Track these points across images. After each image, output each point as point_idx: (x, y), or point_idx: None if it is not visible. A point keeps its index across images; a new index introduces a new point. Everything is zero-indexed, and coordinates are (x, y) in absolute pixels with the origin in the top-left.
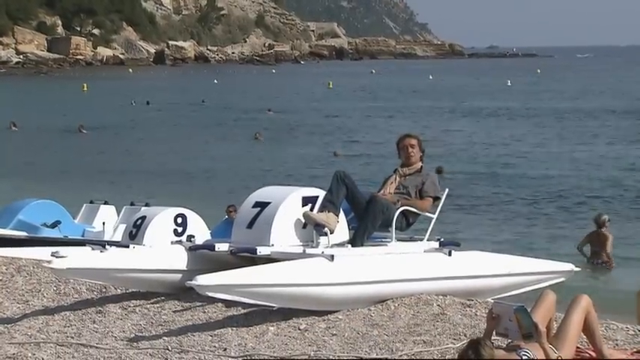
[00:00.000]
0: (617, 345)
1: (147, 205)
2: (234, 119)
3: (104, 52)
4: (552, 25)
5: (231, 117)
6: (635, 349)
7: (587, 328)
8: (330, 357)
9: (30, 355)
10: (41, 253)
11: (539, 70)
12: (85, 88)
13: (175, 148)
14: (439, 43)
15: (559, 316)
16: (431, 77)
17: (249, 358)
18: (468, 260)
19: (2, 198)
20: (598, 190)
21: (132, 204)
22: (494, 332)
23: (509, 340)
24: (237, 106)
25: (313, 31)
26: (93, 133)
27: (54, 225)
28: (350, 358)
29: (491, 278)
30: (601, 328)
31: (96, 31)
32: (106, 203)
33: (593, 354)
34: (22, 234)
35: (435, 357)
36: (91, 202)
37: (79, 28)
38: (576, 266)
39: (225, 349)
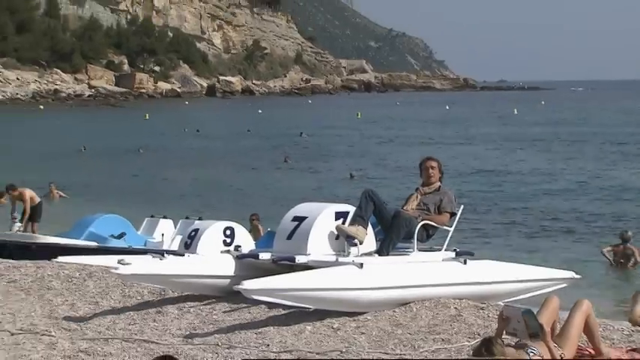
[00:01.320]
0: (613, 344)
1: (200, 218)
2: (273, 144)
3: (163, 86)
4: (554, 61)
5: (270, 142)
6: (629, 348)
7: (588, 329)
8: (360, 352)
9: (99, 349)
10: (109, 260)
11: (543, 102)
12: (147, 117)
13: (221, 170)
14: (455, 77)
15: (562, 318)
16: (447, 107)
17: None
18: (481, 268)
19: (76, 213)
20: (595, 207)
21: (187, 218)
22: (504, 332)
23: (518, 339)
24: (277, 132)
25: (345, 67)
26: (151, 155)
27: (120, 236)
28: (377, 354)
29: (501, 284)
30: (599, 328)
31: (157, 68)
32: (164, 217)
33: (593, 352)
34: (93, 244)
35: (452, 353)
36: (152, 217)
37: (142, 66)
38: (576, 274)
39: (267, 345)
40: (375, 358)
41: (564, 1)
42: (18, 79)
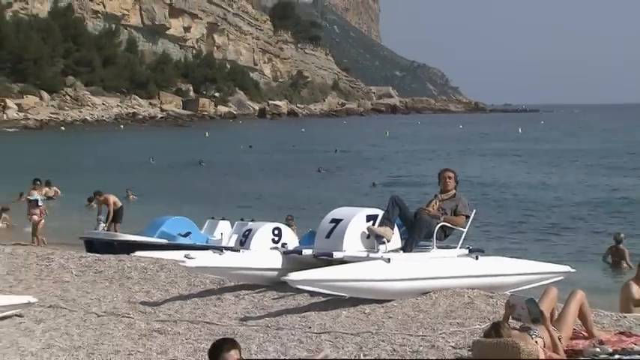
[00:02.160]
0: (603, 327)
1: (252, 220)
2: (312, 158)
3: (222, 109)
4: (553, 87)
5: (310, 156)
6: (617, 331)
7: (582, 315)
8: (387, 333)
9: (169, 329)
10: (177, 255)
11: (542, 122)
12: (207, 135)
13: (269, 180)
14: (467, 101)
15: (560, 307)
16: (461, 127)
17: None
18: (491, 263)
19: (148, 214)
20: (591, 212)
21: (242, 220)
22: (510, 317)
23: (522, 323)
24: (316, 147)
25: (374, 93)
26: (211, 167)
27: (186, 235)
28: (402, 335)
29: (508, 277)
30: (592, 315)
31: (217, 94)
32: (223, 219)
33: (586, 334)
34: (164, 241)
35: (466, 335)
36: (212, 218)
37: (205, 92)
38: (572, 268)
39: (309, 327)
40: (400, 338)
41: (563, 34)
42: (103, 104)
